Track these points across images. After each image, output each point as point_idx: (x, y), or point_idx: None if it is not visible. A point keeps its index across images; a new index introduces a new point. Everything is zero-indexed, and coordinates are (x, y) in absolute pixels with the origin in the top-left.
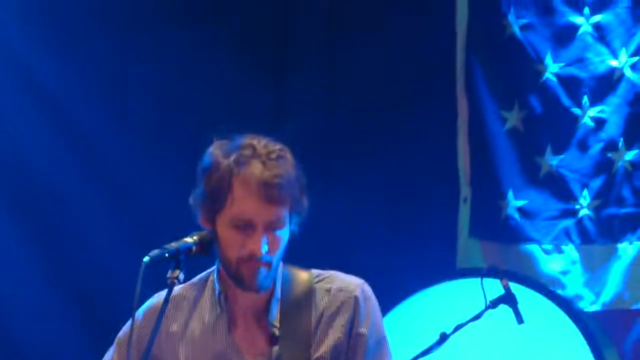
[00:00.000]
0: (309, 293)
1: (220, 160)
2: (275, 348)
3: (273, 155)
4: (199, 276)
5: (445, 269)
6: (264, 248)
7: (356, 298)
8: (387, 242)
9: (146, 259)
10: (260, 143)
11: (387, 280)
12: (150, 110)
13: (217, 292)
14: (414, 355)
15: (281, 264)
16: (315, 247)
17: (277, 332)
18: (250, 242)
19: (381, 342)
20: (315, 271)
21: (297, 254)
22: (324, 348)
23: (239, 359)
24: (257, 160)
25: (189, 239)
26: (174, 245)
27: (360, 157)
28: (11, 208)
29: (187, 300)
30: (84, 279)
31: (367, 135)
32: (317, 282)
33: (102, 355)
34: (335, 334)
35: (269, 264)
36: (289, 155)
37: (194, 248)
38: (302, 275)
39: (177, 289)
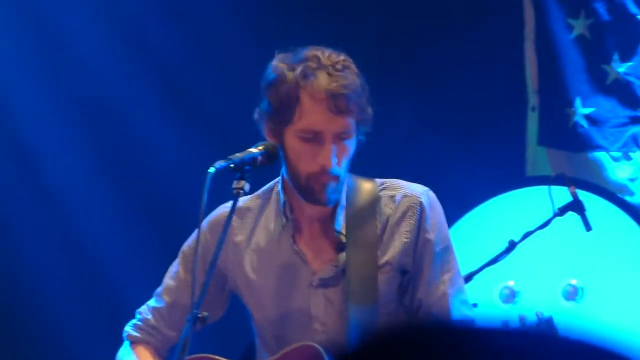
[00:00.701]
0: (374, 201)
1: (286, 73)
2: (342, 255)
3: (338, 66)
4: (263, 188)
5: (514, 177)
6: (334, 159)
7: (421, 204)
8: (455, 152)
9: (211, 169)
10: (325, 54)
11: (455, 189)
12: None
13: (282, 202)
14: (482, 263)
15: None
16: (383, 156)
17: (343, 239)
18: (320, 155)
19: (447, 249)
20: (379, 180)
21: (364, 163)
22: (391, 253)
23: (305, 267)
24: (323, 71)
25: (254, 149)
26: (238, 155)
27: (427, 67)
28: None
29: (251, 211)
30: (149, 191)
31: (433, 43)
32: (381, 190)
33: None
34: (401, 239)
35: (337, 177)
36: (353, 66)
37: (259, 158)
38: (367, 184)
39: (241, 200)
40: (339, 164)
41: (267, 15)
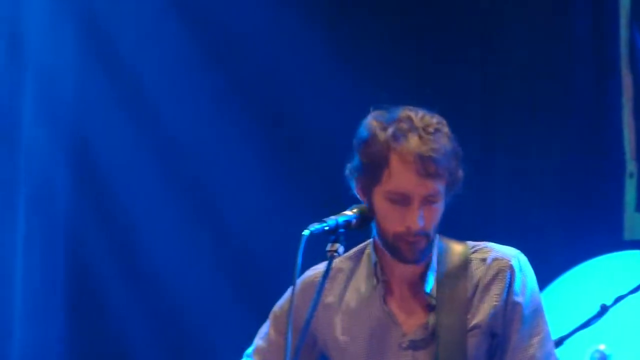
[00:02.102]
0: (465, 263)
1: (378, 133)
2: (432, 317)
3: (430, 129)
4: (354, 249)
5: (610, 241)
6: (421, 222)
7: (511, 267)
8: (551, 214)
9: (306, 232)
10: (418, 115)
11: (551, 252)
12: None
13: (373, 263)
14: (574, 326)
15: (437, 236)
16: (478, 218)
17: (433, 301)
18: (407, 217)
19: (537, 312)
20: (471, 243)
21: (458, 225)
22: (481, 316)
23: (396, 328)
24: (414, 133)
25: (349, 212)
26: (333, 218)
27: (523, 131)
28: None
29: (342, 272)
30: (240, 255)
31: (531, 109)
32: (472, 253)
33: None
34: (491, 302)
35: (425, 237)
36: (445, 129)
37: (353, 222)
38: (458, 247)
39: (337, 259)
40: (427, 227)
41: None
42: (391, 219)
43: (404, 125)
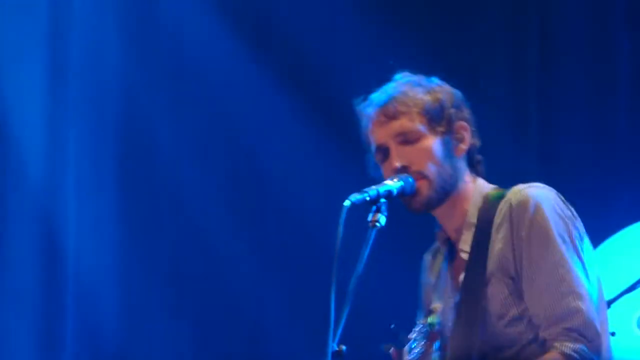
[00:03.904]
0: (492, 212)
1: (360, 118)
2: (462, 275)
3: (391, 83)
4: None
5: None
6: (398, 162)
7: (511, 207)
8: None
9: (347, 202)
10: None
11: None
12: None
13: (436, 231)
14: (620, 291)
15: (482, 187)
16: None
17: (465, 257)
18: (390, 165)
19: (544, 237)
20: (516, 187)
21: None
22: (493, 263)
23: (451, 289)
24: (375, 95)
25: (389, 182)
26: (374, 188)
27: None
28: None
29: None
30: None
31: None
32: (501, 199)
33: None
34: (499, 246)
35: (422, 177)
36: (415, 80)
37: (395, 191)
38: (496, 196)
39: None
40: (415, 165)
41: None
42: (387, 175)
43: (371, 96)
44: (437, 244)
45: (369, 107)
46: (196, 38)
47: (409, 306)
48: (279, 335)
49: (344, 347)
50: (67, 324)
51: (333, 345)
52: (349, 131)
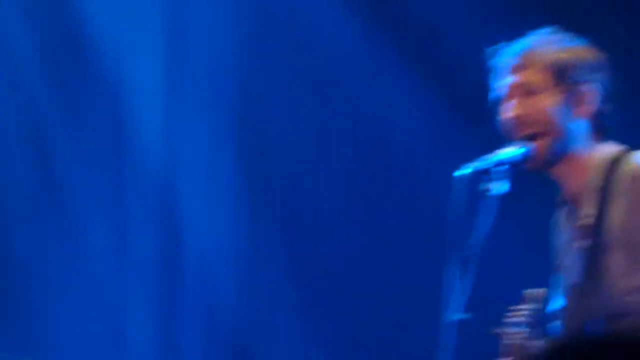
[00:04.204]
0: (616, 176)
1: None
2: (584, 241)
3: (526, 38)
4: None
5: None
6: (512, 111)
7: (634, 178)
8: None
9: (462, 172)
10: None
11: None
12: None
13: (559, 192)
14: None
15: (608, 151)
16: None
17: (588, 222)
18: (508, 112)
19: None
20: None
21: None
22: (614, 233)
23: (574, 251)
24: (509, 46)
25: (505, 150)
26: (490, 156)
27: None
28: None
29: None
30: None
31: None
32: (626, 164)
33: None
34: (620, 216)
35: (540, 135)
36: (550, 34)
37: (511, 159)
38: (620, 161)
39: None
40: (527, 118)
41: None
42: (503, 123)
43: (505, 47)
44: (560, 206)
45: (500, 56)
46: (311, 16)
47: (532, 273)
48: (397, 307)
49: (469, 315)
50: (185, 301)
51: (458, 315)
52: (471, 103)
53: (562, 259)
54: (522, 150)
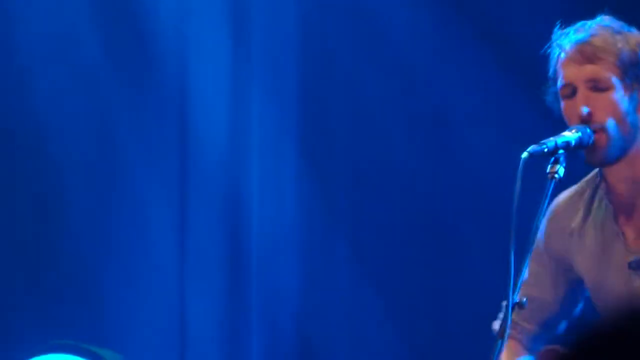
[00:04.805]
0: None
1: (552, 44)
2: None
3: (592, 24)
4: (592, 172)
5: None
6: (585, 108)
7: None
8: None
9: (524, 154)
10: (590, 21)
11: None
12: None
13: (598, 182)
14: None
15: None
16: None
17: None
18: (576, 108)
19: None
20: None
21: None
22: None
23: (624, 247)
24: (574, 29)
25: (568, 133)
26: (552, 139)
27: None
28: None
29: (581, 196)
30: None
31: None
32: None
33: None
34: None
35: (603, 132)
36: (617, 26)
37: (573, 142)
38: None
39: (576, 185)
40: (598, 118)
41: None
42: (568, 117)
43: (571, 29)
44: (576, 189)
45: (567, 40)
46: None
47: None
48: (463, 295)
49: (524, 299)
50: (250, 292)
51: (514, 297)
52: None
53: (585, 262)
54: (588, 133)
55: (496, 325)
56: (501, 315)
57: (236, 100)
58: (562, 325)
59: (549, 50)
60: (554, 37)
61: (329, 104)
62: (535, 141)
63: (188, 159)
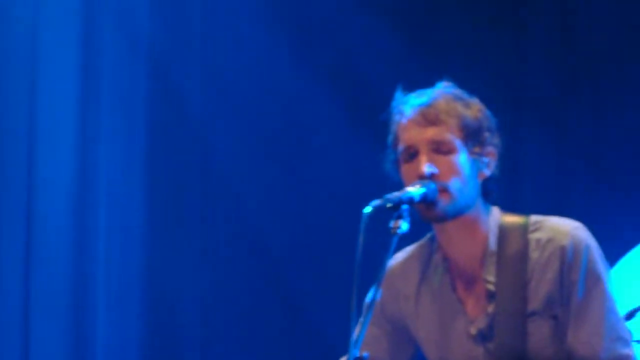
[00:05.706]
0: (524, 245)
1: (392, 113)
2: (491, 305)
3: (433, 90)
4: (429, 234)
5: None
6: (428, 168)
7: (564, 248)
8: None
9: (367, 209)
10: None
11: (621, 227)
12: None
13: (434, 248)
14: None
15: (497, 215)
16: (552, 193)
17: (492, 287)
18: (417, 167)
19: (597, 286)
20: (532, 218)
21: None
22: (538, 301)
23: (464, 317)
24: (415, 95)
25: (411, 188)
26: (396, 194)
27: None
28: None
29: (417, 259)
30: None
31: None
32: (531, 232)
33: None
34: (547, 286)
35: (446, 192)
36: (456, 91)
37: (417, 197)
38: (518, 226)
39: (409, 249)
40: (442, 177)
41: None
42: (408, 177)
43: (411, 95)
44: (411, 252)
45: (408, 105)
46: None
47: None
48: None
49: (365, 355)
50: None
51: (355, 352)
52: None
53: (424, 330)
54: (432, 189)
55: None
56: None
57: (84, 144)
58: None
59: (388, 117)
60: (393, 103)
61: (178, 145)
62: (385, 190)
63: (34, 202)
